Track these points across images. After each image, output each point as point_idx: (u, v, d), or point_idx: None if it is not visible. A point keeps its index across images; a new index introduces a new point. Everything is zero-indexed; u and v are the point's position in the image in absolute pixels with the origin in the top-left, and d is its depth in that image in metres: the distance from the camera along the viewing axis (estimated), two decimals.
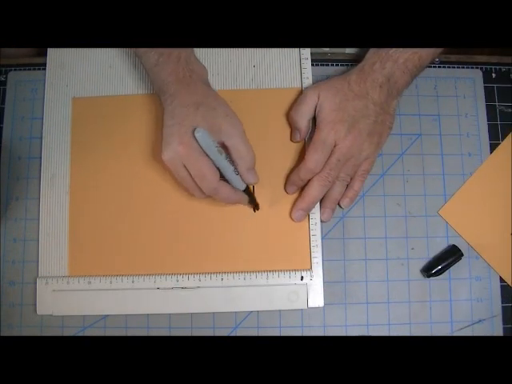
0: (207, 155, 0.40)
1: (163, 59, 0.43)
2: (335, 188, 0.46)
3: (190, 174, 0.41)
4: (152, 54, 0.44)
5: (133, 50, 0.48)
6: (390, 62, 0.44)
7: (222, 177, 0.42)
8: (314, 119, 0.47)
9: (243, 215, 0.47)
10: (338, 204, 0.48)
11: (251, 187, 0.46)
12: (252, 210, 0.47)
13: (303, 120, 0.47)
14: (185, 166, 0.40)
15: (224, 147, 0.41)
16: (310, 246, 0.46)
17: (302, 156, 0.46)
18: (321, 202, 0.47)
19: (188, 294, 0.46)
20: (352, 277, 0.48)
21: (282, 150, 0.48)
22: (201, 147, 0.39)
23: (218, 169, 0.41)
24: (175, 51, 0.44)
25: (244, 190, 0.44)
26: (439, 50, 0.47)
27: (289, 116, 0.48)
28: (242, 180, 0.43)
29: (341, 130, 0.44)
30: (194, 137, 0.39)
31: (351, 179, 0.47)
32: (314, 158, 0.44)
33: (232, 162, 0.42)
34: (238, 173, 0.42)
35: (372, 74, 0.45)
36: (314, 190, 0.45)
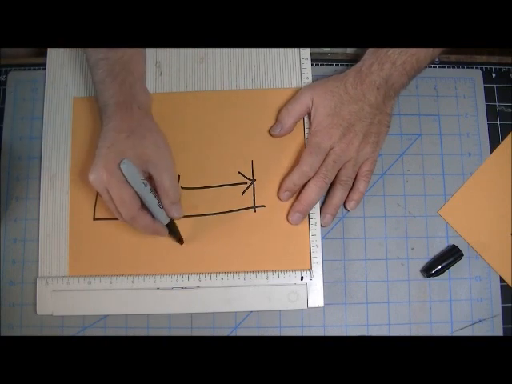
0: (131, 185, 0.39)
1: (109, 79, 0.43)
2: (336, 193, 0.46)
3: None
4: (100, 72, 0.43)
5: (85, 58, 0.47)
6: (389, 63, 0.44)
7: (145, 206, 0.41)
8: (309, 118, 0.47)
9: (243, 215, 0.47)
10: (345, 207, 0.48)
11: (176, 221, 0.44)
12: (178, 243, 0.46)
13: (290, 118, 0.47)
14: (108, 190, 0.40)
15: (150, 178, 0.41)
16: (310, 246, 0.46)
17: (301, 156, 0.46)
18: (322, 207, 0.47)
19: (188, 294, 0.46)
20: (352, 277, 0.48)
21: (282, 150, 0.48)
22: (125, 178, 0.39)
23: (143, 200, 0.41)
24: (122, 74, 0.43)
25: (168, 224, 0.43)
26: (436, 52, 0.47)
27: (279, 111, 0.48)
28: (166, 214, 0.42)
29: (336, 135, 0.44)
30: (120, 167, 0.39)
31: (354, 182, 0.47)
32: (308, 161, 0.44)
33: (157, 194, 0.41)
34: (162, 206, 0.42)
35: (370, 75, 0.44)
36: (311, 192, 0.45)
